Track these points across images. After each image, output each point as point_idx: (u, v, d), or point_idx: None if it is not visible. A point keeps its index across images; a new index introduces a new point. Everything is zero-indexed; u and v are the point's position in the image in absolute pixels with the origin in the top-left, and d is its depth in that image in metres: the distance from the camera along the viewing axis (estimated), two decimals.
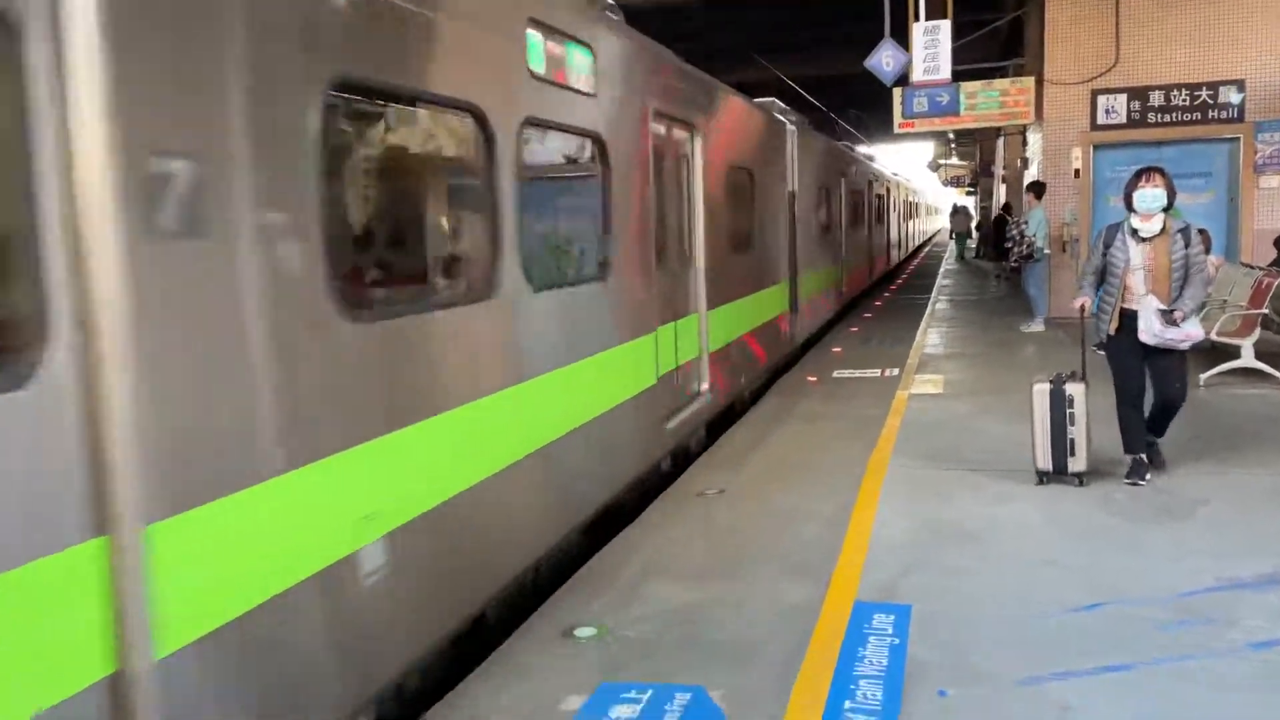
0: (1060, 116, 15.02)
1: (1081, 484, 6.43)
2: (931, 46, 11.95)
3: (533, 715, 3.83)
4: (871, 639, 4.41)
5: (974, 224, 34.77)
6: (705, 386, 8.20)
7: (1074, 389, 6.41)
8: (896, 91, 14.40)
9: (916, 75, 12.30)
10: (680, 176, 7.78)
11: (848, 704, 3.84)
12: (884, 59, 12.04)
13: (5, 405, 2.23)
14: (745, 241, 9.91)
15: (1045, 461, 6.51)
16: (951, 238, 35.26)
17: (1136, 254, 6.31)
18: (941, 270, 28.77)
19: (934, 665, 4.14)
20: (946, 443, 7.86)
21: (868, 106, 31.43)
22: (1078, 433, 6.40)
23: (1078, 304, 6.64)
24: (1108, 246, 6.45)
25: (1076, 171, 14.86)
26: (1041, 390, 6.47)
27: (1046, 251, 14.02)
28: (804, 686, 4.00)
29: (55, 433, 2.33)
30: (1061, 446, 6.44)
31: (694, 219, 8.06)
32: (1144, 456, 6.57)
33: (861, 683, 4.01)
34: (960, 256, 32.06)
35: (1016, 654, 4.22)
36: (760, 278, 10.53)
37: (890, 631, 4.48)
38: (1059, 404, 6.40)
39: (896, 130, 15.81)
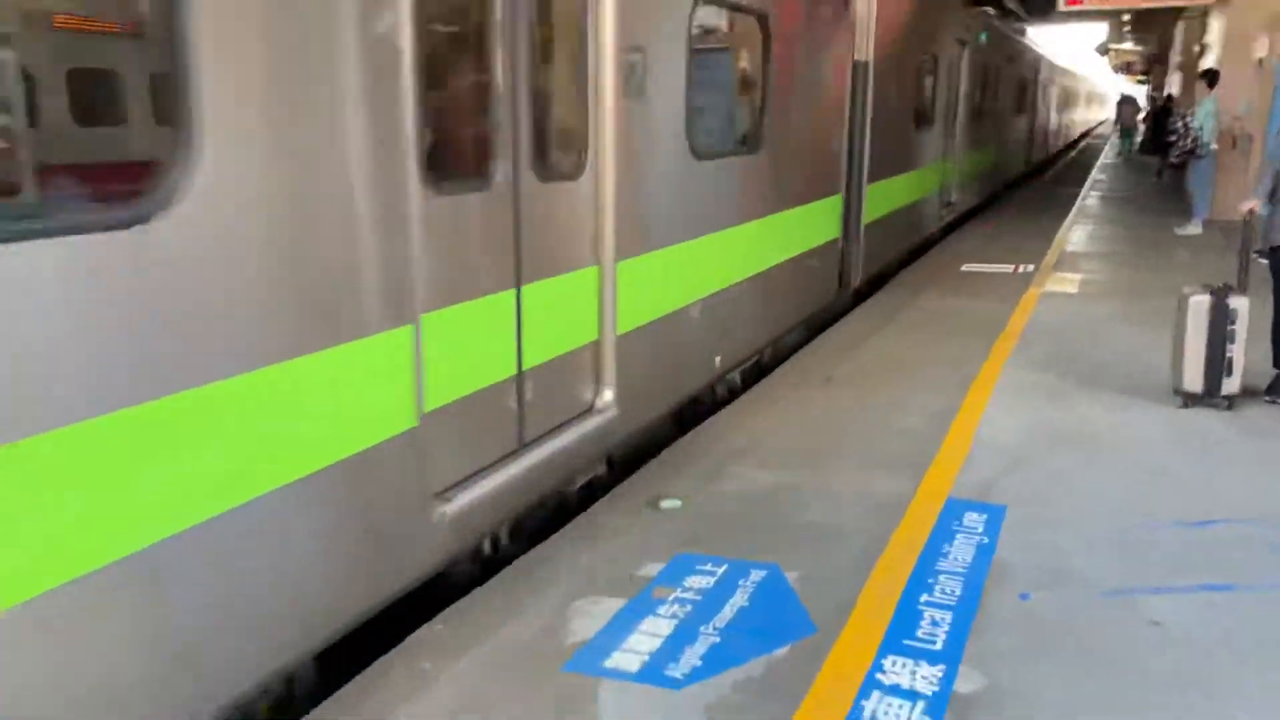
0: None
1: (1230, 408, 5.91)
2: None
3: (610, 577, 3.93)
4: (959, 536, 4.32)
5: (1141, 117, 32.14)
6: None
7: (1238, 302, 5.79)
8: None
9: None
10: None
11: (924, 597, 3.79)
12: None
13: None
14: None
15: (1195, 382, 5.91)
16: (1116, 129, 32.70)
17: None
18: (1099, 164, 26.98)
19: (1021, 568, 4.03)
20: (1073, 346, 7.48)
21: None
22: (1237, 351, 5.82)
23: (1246, 207, 6.08)
24: None
25: (1260, 61, 13.50)
26: (1199, 303, 5.82)
27: (1213, 147, 12.89)
28: (881, 575, 3.97)
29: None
30: (1217, 366, 5.85)
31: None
32: None
33: (941, 577, 3.94)
34: (1124, 152, 29.85)
35: (1111, 564, 4.06)
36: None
37: (980, 530, 4.38)
38: (1221, 318, 5.78)
39: (1062, 8, 14.66)
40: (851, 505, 4.66)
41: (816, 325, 8.37)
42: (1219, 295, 5.83)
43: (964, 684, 3.22)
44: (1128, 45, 41.64)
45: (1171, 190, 18.14)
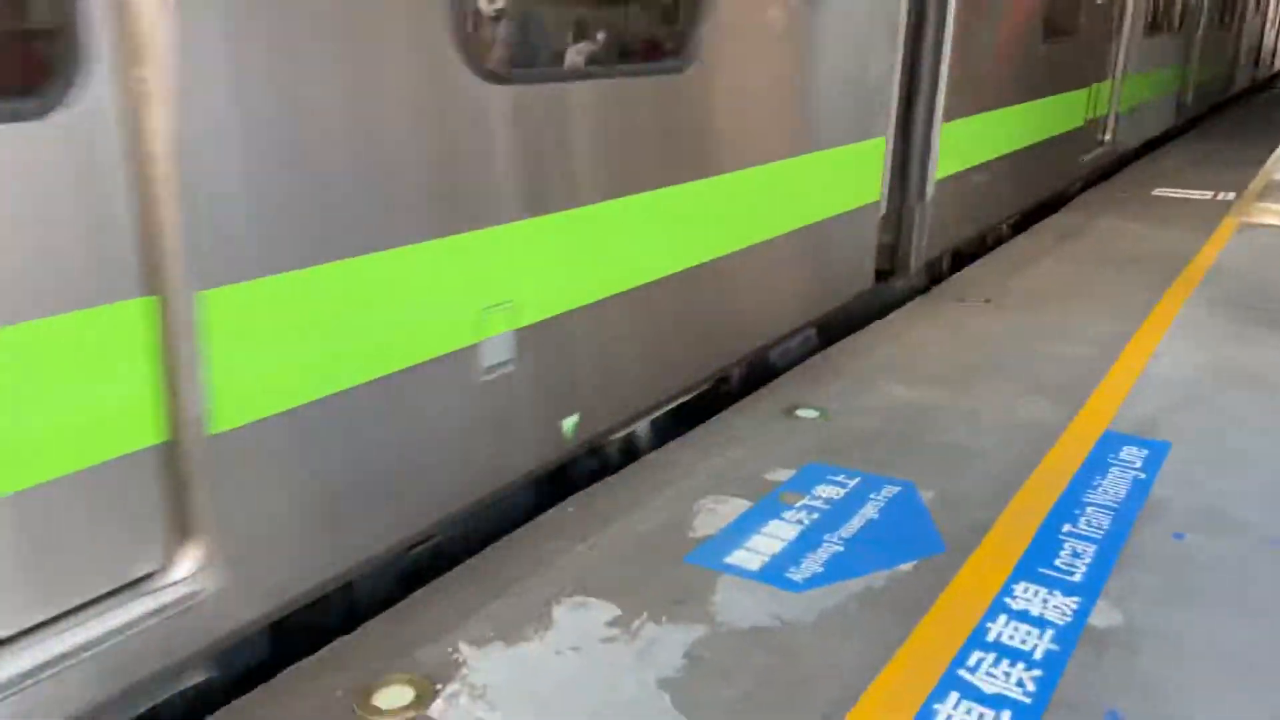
0: None
1: None
2: None
3: (739, 479, 3.92)
4: (1114, 470, 4.08)
5: None
6: (1108, 138, 10.43)
7: None
8: None
9: None
10: None
11: (1067, 527, 3.61)
12: None
13: None
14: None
15: None
16: None
17: None
18: None
19: (1178, 507, 3.78)
20: (1268, 280, 6.86)
21: None
22: None
23: None
24: None
25: None
26: None
27: None
28: (1023, 501, 3.80)
29: None
30: None
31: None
32: None
33: (1089, 509, 3.74)
34: None
35: (1278, 513, 3.76)
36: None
37: (1138, 466, 4.12)
38: None
39: None
40: (1000, 429, 4.46)
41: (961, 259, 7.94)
42: None
43: (1099, 618, 3.06)
44: None
45: None
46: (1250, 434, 4.46)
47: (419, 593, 3.13)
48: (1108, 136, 10.50)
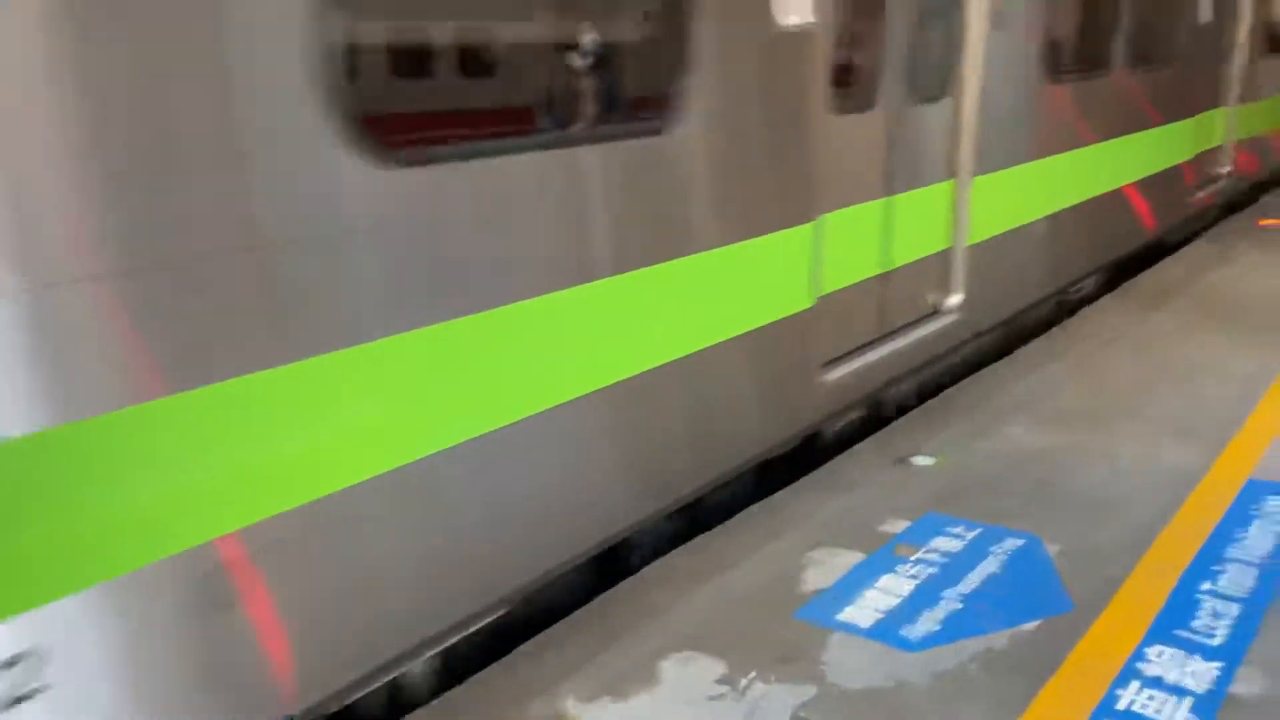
0: None
1: None
2: None
3: (852, 530, 3.83)
4: (1257, 522, 3.82)
5: None
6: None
7: None
8: None
9: None
10: None
11: (1205, 585, 3.39)
12: None
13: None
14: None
15: None
16: None
17: None
18: None
19: None
20: None
21: None
22: None
23: None
24: None
25: None
26: None
27: None
28: (1157, 556, 3.59)
29: None
30: None
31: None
32: None
33: (1230, 567, 3.51)
34: None
35: None
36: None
37: None
38: None
39: None
40: (1133, 476, 4.24)
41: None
42: None
43: (1242, 686, 2.86)
44: None
45: None
46: None
47: (528, 644, 3.16)
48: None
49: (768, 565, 3.58)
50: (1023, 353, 5.92)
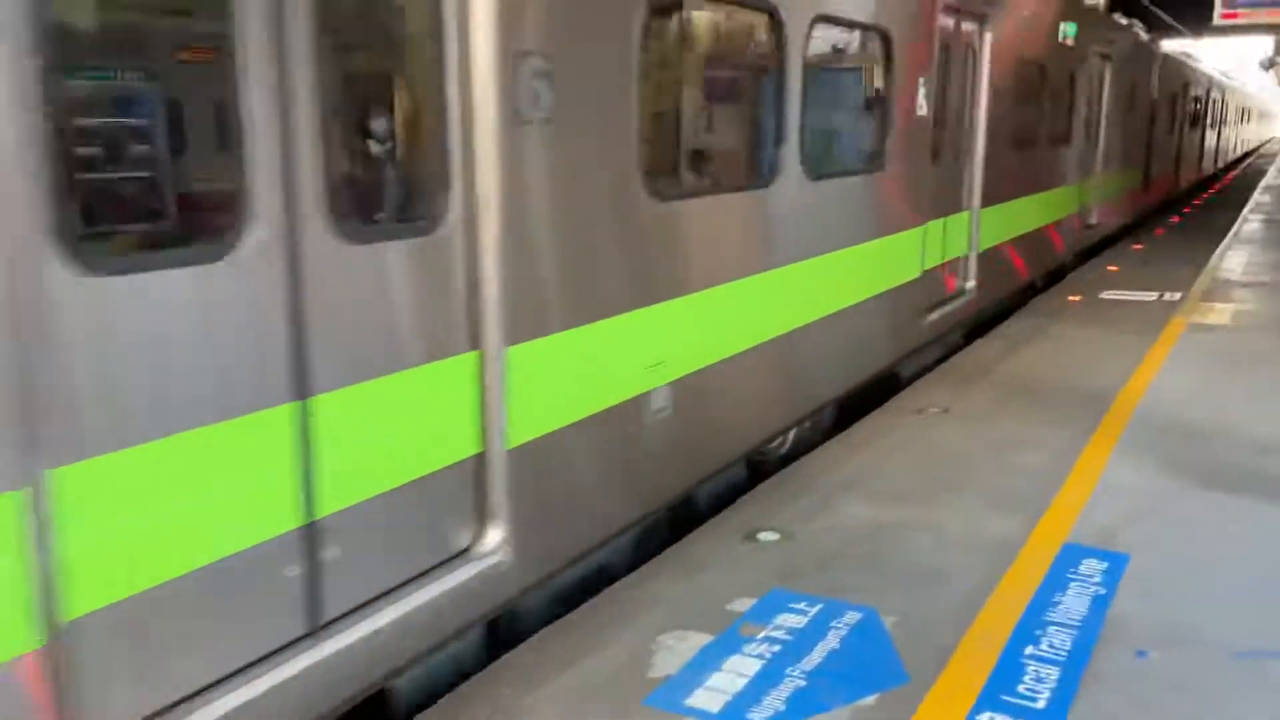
0: None
1: None
2: None
3: (700, 610, 3.87)
4: (1074, 585, 4.08)
5: None
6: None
7: None
8: None
9: None
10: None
11: (1029, 649, 3.58)
12: None
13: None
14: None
15: None
16: None
17: None
18: (1262, 185, 25.35)
19: (1140, 623, 3.77)
20: (1219, 383, 7.01)
21: None
22: None
23: None
24: None
25: None
26: None
27: None
28: (984, 624, 3.77)
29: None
30: None
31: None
32: None
33: (1050, 629, 3.72)
34: None
35: (1243, 623, 3.76)
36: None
37: (1098, 580, 4.12)
38: None
39: (1217, 22, 13.84)
40: (960, 546, 4.46)
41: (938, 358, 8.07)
42: None
43: None
44: None
45: None
46: (1209, 542, 4.49)
47: None
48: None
49: (617, 652, 3.57)
50: (856, 429, 6.18)
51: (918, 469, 5.47)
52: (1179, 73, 20.19)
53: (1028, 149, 9.51)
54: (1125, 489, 5.10)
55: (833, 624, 3.77)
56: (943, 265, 7.63)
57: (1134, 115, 14.90)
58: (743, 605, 3.92)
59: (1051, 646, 3.61)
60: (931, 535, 4.58)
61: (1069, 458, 5.56)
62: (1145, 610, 3.86)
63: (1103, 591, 4.02)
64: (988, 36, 7.93)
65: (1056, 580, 4.12)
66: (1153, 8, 27.88)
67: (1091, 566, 4.25)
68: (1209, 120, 27.21)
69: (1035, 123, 9.61)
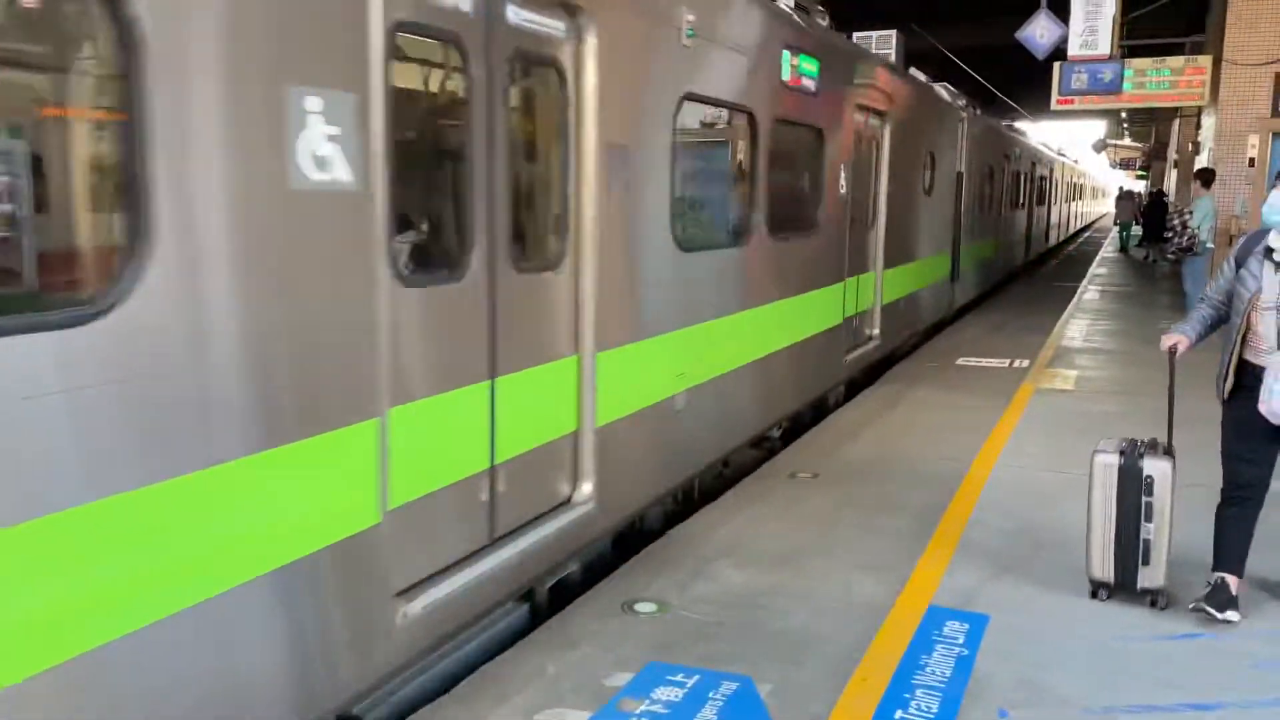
0: (1237, 99, 13.83)
1: (1156, 606, 4.58)
2: (1092, 19, 11.12)
3: (577, 687, 3.83)
4: (939, 647, 4.22)
5: (1140, 209, 32.35)
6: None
7: (1155, 466, 4.48)
8: (1055, 66, 13.58)
9: (1073, 49, 11.49)
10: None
11: (899, 713, 3.68)
12: (1037, 31, 11.33)
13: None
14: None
15: (1104, 569, 4.61)
16: (1116, 225, 32.82)
17: (1271, 286, 4.31)
18: (1099, 258, 27.25)
19: (1001, 682, 3.92)
20: (1067, 444, 7.43)
21: (1031, 79, 29.81)
22: (1155, 532, 4.48)
23: (1168, 343, 4.68)
24: (1239, 264, 4.50)
25: (1251, 160, 13.71)
26: (1106, 464, 4.55)
27: (1210, 245, 12.98)
28: (856, 689, 3.86)
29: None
30: (1131, 550, 4.53)
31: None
32: (1232, 582, 4.50)
33: (919, 692, 3.84)
34: (1122, 247, 29.93)
35: (1095, 679, 3.96)
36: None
37: (961, 641, 4.28)
38: (1131, 486, 4.50)
39: (1054, 107, 14.95)
40: (831, 611, 4.57)
41: (811, 418, 8.33)
42: (1127, 456, 4.54)
43: None
44: (1125, 141, 42.46)
45: (1170, 284, 18.24)
46: (1062, 599, 4.71)
47: None
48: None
49: None
50: (730, 495, 6.28)
51: (789, 534, 5.59)
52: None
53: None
54: (983, 551, 5.32)
55: (710, 695, 3.79)
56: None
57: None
58: (620, 679, 3.90)
59: (920, 709, 3.71)
60: (805, 600, 4.68)
61: (931, 520, 5.78)
62: (1006, 669, 4.02)
63: (965, 653, 4.17)
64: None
65: (922, 643, 4.26)
66: (998, 93, 29.92)
67: (954, 628, 4.41)
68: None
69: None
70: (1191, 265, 13.26)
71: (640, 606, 4.58)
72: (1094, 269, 23.49)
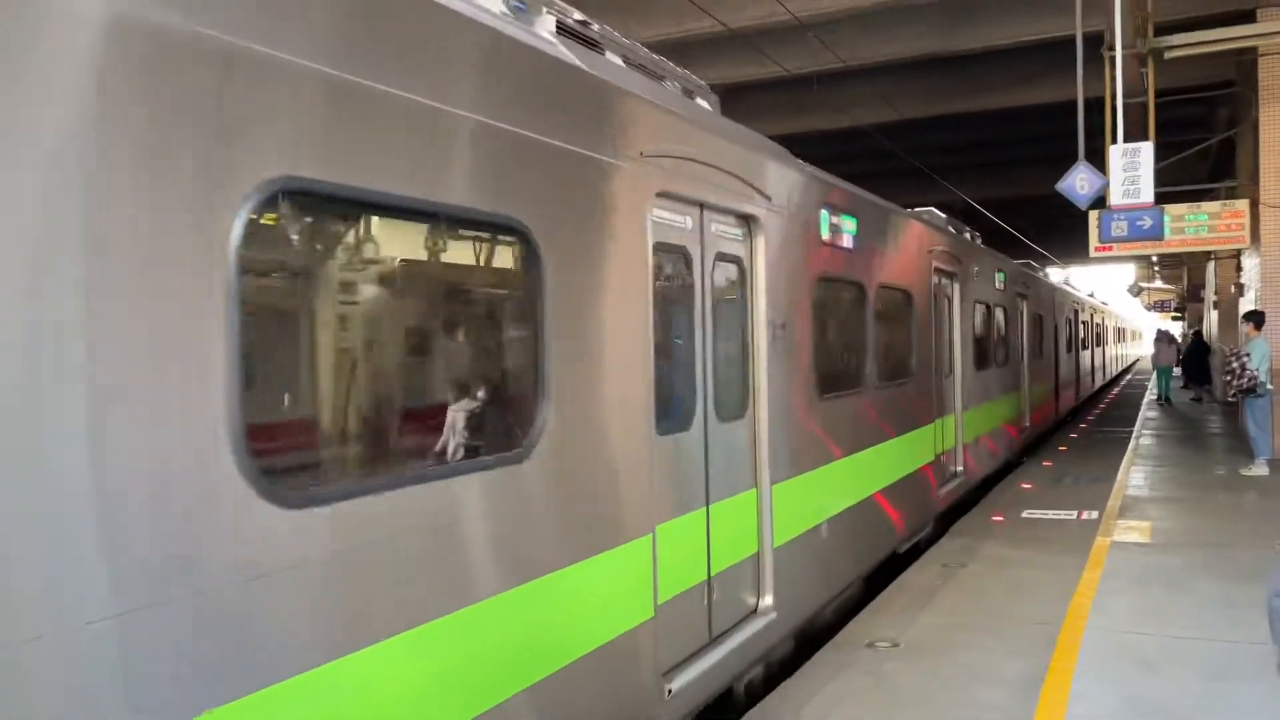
0: (1279, 242, 13.84)
1: None
2: (1132, 169, 11.21)
3: None
4: None
5: (1179, 354, 30.03)
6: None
7: None
8: (1092, 214, 13.67)
9: (1115, 198, 11.55)
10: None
11: None
12: (1078, 182, 11.40)
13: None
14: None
15: None
16: (1155, 369, 30.15)
17: None
18: (1146, 401, 26.77)
19: None
20: (1160, 604, 7.00)
21: (1063, 225, 30.16)
22: None
23: None
24: None
25: None
26: None
27: (1269, 386, 12.72)
28: None
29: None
30: None
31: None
32: None
33: None
34: (1164, 397, 25.28)
35: None
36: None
37: None
38: None
39: (1093, 254, 14.99)
40: None
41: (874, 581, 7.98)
42: None
43: None
44: (1157, 284, 42.56)
45: (1222, 425, 17.78)
46: None
47: None
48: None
49: None
50: (807, 669, 5.92)
51: (874, 712, 5.20)
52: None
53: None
54: None
55: None
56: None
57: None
58: None
59: None
60: None
61: (1031, 691, 5.38)
62: None
63: None
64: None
65: None
66: (1031, 244, 30.31)
67: None
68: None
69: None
70: (1252, 406, 12.95)
71: None
72: (1145, 412, 23.05)
